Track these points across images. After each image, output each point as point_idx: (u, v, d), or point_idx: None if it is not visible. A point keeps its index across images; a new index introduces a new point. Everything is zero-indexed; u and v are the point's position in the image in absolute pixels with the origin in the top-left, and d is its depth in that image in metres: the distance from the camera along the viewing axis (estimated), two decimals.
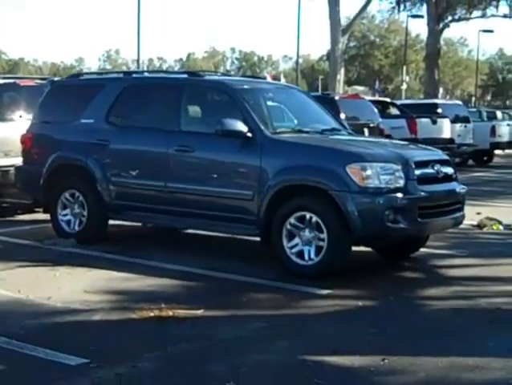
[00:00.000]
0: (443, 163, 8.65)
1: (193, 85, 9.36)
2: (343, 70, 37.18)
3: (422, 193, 8.03)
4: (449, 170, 8.69)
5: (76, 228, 9.64)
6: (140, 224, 10.88)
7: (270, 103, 9.30)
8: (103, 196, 9.39)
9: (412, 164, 8.05)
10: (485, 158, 26.51)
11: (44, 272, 8.10)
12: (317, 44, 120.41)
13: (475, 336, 6.26)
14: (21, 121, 11.33)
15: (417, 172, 8.07)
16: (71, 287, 7.46)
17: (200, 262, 8.56)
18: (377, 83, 58.69)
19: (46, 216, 10.73)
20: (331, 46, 35.50)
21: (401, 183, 7.90)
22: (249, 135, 8.39)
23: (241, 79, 9.71)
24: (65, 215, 9.73)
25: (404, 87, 44.36)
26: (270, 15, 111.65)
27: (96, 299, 7.04)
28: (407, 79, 50.78)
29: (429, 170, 8.30)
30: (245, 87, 9.14)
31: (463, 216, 8.86)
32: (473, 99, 57.27)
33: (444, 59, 67.50)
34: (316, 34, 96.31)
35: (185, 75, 9.43)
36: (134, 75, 10.38)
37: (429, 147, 9.46)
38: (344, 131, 9.53)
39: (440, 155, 8.94)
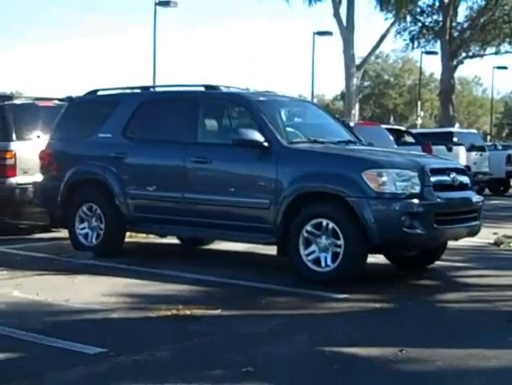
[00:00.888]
0: (459, 171, 8.68)
1: (209, 98, 9.48)
2: (357, 106, 37.31)
3: (438, 200, 8.05)
4: (465, 179, 8.71)
5: (94, 241, 9.69)
6: (155, 240, 10.98)
7: (285, 114, 9.39)
8: (120, 208, 9.46)
9: (427, 170, 8.08)
10: (502, 188, 26.46)
11: (62, 279, 8.15)
12: (331, 84, 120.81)
13: (493, 333, 6.25)
14: (39, 141, 11.46)
15: (433, 178, 8.10)
16: (89, 291, 7.50)
17: (216, 272, 8.59)
18: (391, 119, 58.90)
19: (63, 234, 10.85)
20: (346, 81, 35.66)
21: (417, 189, 7.92)
22: (265, 144, 8.46)
23: (257, 91, 9.81)
24: (82, 228, 9.79)
25: (419, 122, 44.50)
26: (285, 55, 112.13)
27: (114, 300, 7.09)
28: (421, 114, 50.91)
29: (445, 177, 8.33)
30: (262, 98, 9.24)
31: (479, 226, 8.85)
32: (489, 137, 57.18)
33: (459, 98, 67.71)
34: (330, 74, 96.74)
35: (202, 88, 9.53)
36: (150, 90, 10.53)
37: (445, 157, 9.49)
38: (359, 144, 9.58)
39: (456, 164, 8.99)
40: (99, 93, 10.50)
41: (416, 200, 7.84)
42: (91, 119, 10.22)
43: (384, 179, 7.83)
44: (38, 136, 11.77)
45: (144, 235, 11.16)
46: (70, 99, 10.68)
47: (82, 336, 5.76)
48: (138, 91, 10.36)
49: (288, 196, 8.22)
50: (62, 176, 9.97)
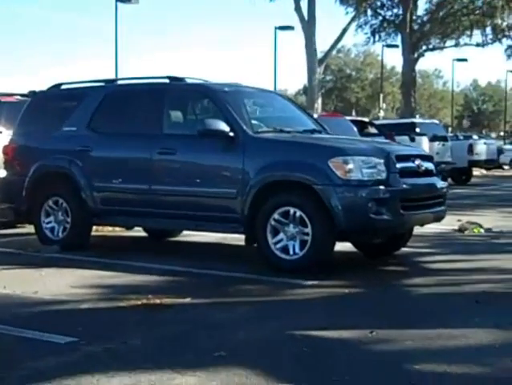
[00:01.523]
0: (424, 158, 8.77)
1: (174, 89, 9.46)
2: (320, 100, 37.49)
3: (404, 186, 8.12)
4: (430, 165, 8.81)
5: (60, 235, 9.64)
6: (122, 233, 10.96)
7: (251, 104, 9.40)
8: (87, 202, 9.41)
9: (393, 157, 8.14)
10: (464, 177, 26.74)
11: (29, 272, 8.09)
12: (294, 79, 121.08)
13: (461, 314, 6.35)
14: (1, 136, 11.36)
15: (399, 165, 8.16)
16: (58, 283, 7.46)
17: (185, 262, 8.60)
18: (354, 113, 59.30)
19: (28, 230, 10.79)
20: (308, 75, 35.83)
21: (383, 176, 7.98)
22: (231, 134, 8.47)
23: (222, 82, 9.81)
24: (49, 222, 9.74)
25: (382, 114, 44.81)
26: (247, 50, 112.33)
27: (83, 292, 7.06)
28: (384, 106, 51.26)
29: (410, 164, 8.41)
30: (226, 89, 9.23)
31: (444, 212, 8.97)
32: (450, 129, 57.75)
33: (420, 91, 68.33)
34: (293, 68, 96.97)
35: (167, 80, 9.50)
36: (115, 83, 10.49)
37: (410, 144, 9.58)
38: (324, 132, 9.63)
39: (421, 150, 9.08)
40: (63, 87, 10.42)
41: (382, 187, 7.90)
42: (55, 113, 10.17)
43: (350, 166, 7.87)
44: (0, 132, 11.67)
45: (111, 229, 11.14)
46: (33, 94, 10.59)
47: (52, 326, 5.73)
48: (102, 84, 10.30)
49: (255, 186, 8.24)
50: (26, 171, 9.89)
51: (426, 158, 8.90)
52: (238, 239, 9.13)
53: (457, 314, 6.30)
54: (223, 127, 8.46)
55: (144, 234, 10.86)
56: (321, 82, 40.66)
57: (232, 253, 9.62)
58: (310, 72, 35.47)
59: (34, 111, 10.32)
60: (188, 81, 9.58)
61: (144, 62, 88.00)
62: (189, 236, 10.65)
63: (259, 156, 8.37)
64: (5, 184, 10.44)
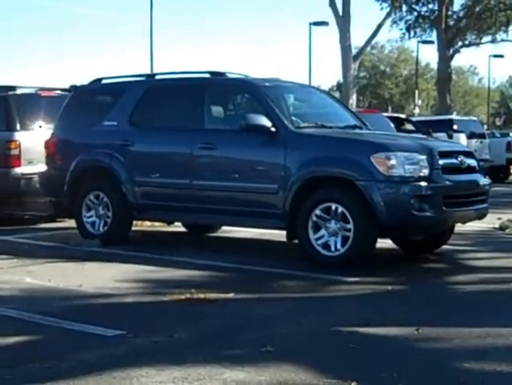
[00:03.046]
0: (466, 154, 8.70)
1: (215, 84, 9.47)
2: (355, 96, 37.29)
3: (447, 182, 8.06)
4: (473, 162, 8.73)
5: (101, 229, 9.71)
6: (162, 228, 11.00)
7: (291, 99, 9.39)
8: (127, 196, 9.46)
9: (435, 153, 8.08)
10: (502, 175, 26.48)
11: (72, 266, 8.15)
12: (328, 74, 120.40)
13: (509, 312, 6.27)
14: (42, 130, 11.47)
15: (441, 161, 8.10)
16: (101, 277, 7.51)
17: (226, 258, 8.61)
18: (390, 108, 58.88)
19: (68, 224, 10.89)
20: (343, 71, 35.64)
21: (426, 172, 7.92)
22: (272, 129, 8.46)
23: (263, 77, 9.80)
24: (90, 217, 9.80)
25: (417, 111, 44.46)
26: (282, 45, 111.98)
27: (127, 286, 7.10)
28: (419, 102, 50.86)
29: (453, 160, 8.34)
30: (267, 84, 9.22)
31: (487, 209, 8.87)
32: (485, 126, 57.26)
33: (455, 88, 67.70)
34: (327, 64, 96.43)
35: (207, 75, 9.51)
36: (156, 77, 10.54)
37: (452, 140, 9.50)
38: (365, 128, 9.58)
39: (464, 147, 9.00)
40: (104, 81, 10.48)
41: (424, 183, 7.84)
42: (96, 108, 10.24)
43: (393, 162, 7.83)
44: (40, 126, 11.77)
45: (150, 224, 11.19)
46: (74, 88, 10.66)
47: (98, 319, 5.77)
48: (143, 78, 10.34)
49: (296, 181, 8.22)
50: (68, 165, 9.96)
51: (469, 154, 8.83)
52: (277, 235, 9.13)
53: (504, 313, 6.23)
54: (265, 122, 8.45)
55: (182, 229, 10.89)
56: (355, 78, 40.47)
57: (272, 249, 9.61)
58: (345, 68, 35.28)
59: (76, 106, 10.38)
60: (229, 76, 9.58)
61: (177, 58, 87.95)
62: (228, 232, 10.66)
63: (301, 152, 8.35)
64: (46, 179, 10.55)
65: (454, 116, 27.47)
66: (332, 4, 34.54)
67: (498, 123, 72.56)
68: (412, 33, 44.63)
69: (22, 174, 11.49)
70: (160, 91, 9.82)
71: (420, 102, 53.51)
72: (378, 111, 20.35)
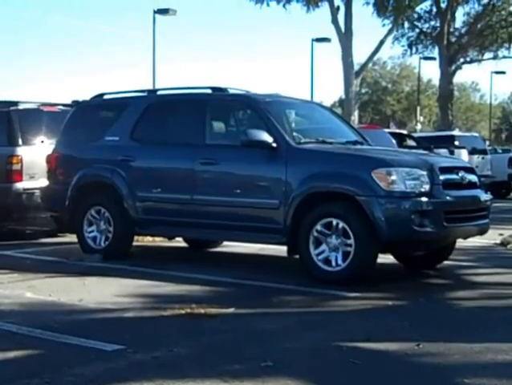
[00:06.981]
0: (467, 170, 8.71)
1: (216, 100, 9.49)
2: (357, 112, 37.37)
3: (448, 198, 8.06)
4: (474, 177, 8.74)
5: (102, 244, 9.71)
6: (163, 243, 11.00)
7: (292, 115, 9.42)
8: (129, 211, 9.47)
9: (436, 169, 8.09)
10: (504, 191, 26.47)
11: (73, 281, 8.16)
12: (330, 90, 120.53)
13: (509, 328, 6.26)
14: (44, 145, 11.50)
15: (442, 177, 8.10)
16: (102, 292, 7.51)
17: (227, 273, 8.61)
18: (393, 125, 58.95)
19: (69, 239, 10.89)
20: (345, 87, 35.70)
21: (427, 188, 7.93)
22: (274, 145, 8.48)
23: (264, 93, 9.83)
24: (91, 232, 9.81)
25: (419, 127, 44.52)
26: (284, 61, 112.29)
27: (127, 300, 7.09)
28: (421, 119, 50.94)
29: (454, 176, 8.34)
30: (268, 100, 9.25)
31: (488, 225, 8.86)
32: (487, 142, 57.33)
33: (457, 104, 67.76)
34: (329, 80, 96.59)
35: (209, 90, 9.54)
36: (157, 93, 10.57)
37: (453, 156, 9.52)
38: (366, 144, 9.60)
39: (465, 162, 9.01)
40: (106, 96, 10.52)
41: (425, 199, 7.85)
42: (97, 123, 10.27)
43: (394, 177, 7.84)
44: (42, 141, 11.80)
45: (151, 239, 11.19)
46: (76, 103, 10.70)
47: (98, 334, 5.76)
48: (145, 94, 10.38)
49: (297, 196, 8.23)
50: (69, 180, 9.99)
51: (470, 170, 8.84)
52: (277, 250, 9.12)
53: (505, 328, 6.22)
54: (266, 137, 8.47)
55: (183, 244, 10.90)
56: (357, 94, 40.54)
57: (272, 264, 9.61)
58: (347, 84, 35.34)
59: (77, 121, 10.42)
60: (231, 91, 9.61)
61: (180, 73, 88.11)
62: (229, 247, 10.66)
63: (302, 167, 8.36)
64: (47, 193, 10.57)
65: (456, 132, 27.49)
66: (335, 21, 34.64)
67: (503, 138, 72.56)
68: (414, 49, 44.84)
69: (24, 189, 11.51)
70: (161, 106, 9.85)
71: (421, 118, 53.62)
72: (380, 127, 20.37)
